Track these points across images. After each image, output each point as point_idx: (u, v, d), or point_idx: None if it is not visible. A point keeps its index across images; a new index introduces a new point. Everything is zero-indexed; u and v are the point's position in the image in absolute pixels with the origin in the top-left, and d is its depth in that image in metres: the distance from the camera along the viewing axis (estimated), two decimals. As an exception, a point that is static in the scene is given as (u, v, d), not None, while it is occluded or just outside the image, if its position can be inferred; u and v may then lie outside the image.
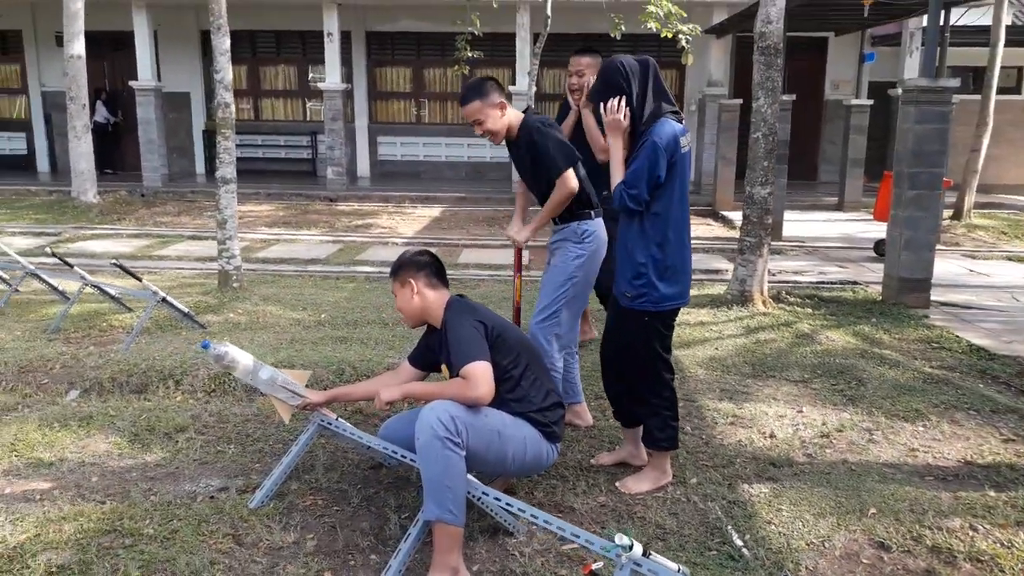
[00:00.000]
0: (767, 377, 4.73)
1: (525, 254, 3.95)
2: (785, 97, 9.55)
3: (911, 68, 13.56)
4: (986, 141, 11.22)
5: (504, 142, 3.61)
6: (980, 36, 12.27)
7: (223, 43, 6.36)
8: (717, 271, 8.18)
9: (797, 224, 10.87)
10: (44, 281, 5.97)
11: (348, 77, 15.42)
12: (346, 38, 14.92)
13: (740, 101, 12.19)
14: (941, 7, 7.03)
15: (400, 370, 3.19)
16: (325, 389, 3.75)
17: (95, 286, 5.64)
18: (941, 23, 8.54)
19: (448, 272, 3.13)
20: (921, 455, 3.69)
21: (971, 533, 2.94)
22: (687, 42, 9.20)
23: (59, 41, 13.49)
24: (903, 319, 6.07)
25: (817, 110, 15.39)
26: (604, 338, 3.40)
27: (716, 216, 12.18)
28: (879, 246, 8.60)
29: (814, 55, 15.13)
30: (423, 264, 3.02)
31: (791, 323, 5.88)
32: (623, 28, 9.42)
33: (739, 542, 2.87)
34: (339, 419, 3.15)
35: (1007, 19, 11.25)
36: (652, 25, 9.07)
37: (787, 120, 9.96)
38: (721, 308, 6.27)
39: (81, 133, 11.82)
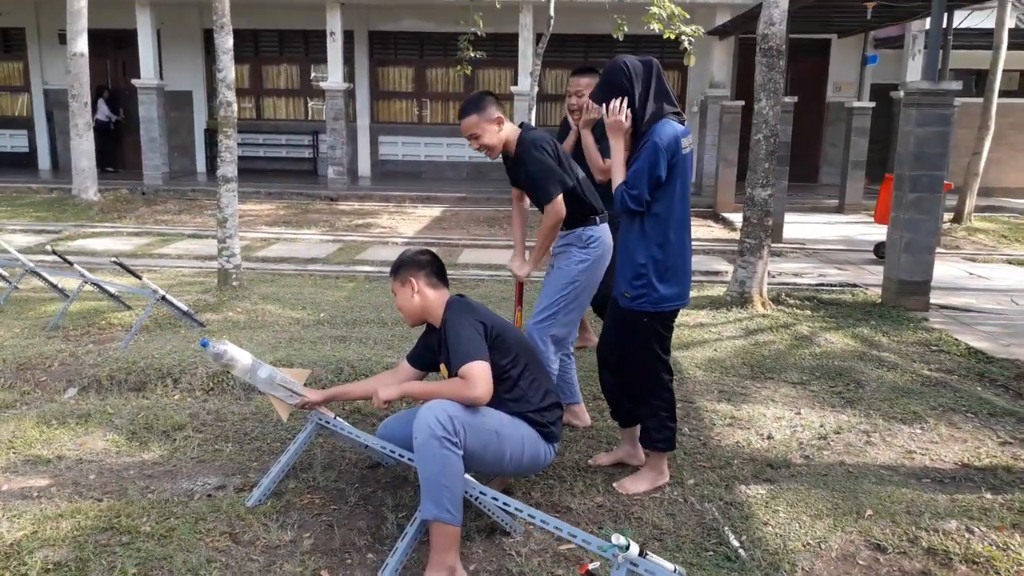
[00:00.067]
0: (765, 379, 4.74)
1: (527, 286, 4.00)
2: (787, 99, 9.56)
3: (913, 71, 13.55)
4: (987, 144, 11.22)
5: (501, 156, 3.64)
6: (983, 39, 12.27)
7: (226, 42, 6.37)
8: (717, 273, 8.18)
9: (797, 226, 10.87)
10: (44, 278, 5.98)
11: (350, 76, 15.44)
12: (349, 37, 14.93)
13: (742, 103, 12.19)
14: (944, 10, 7.02)
15: (399, 369, 3.19)
16: (323, 388, 3.75)
17: (95, 284, 5.65)
18: (944, 26, 8.52)
19: (448, 272, 3.14)
20: (918, 457, 3.69)
21: (967, 535, 2.94)
22: (690, 43, 9.21)
23: (62, 39, 13.52)
24: (902, 322, 6.07)
25: (819, 112, 15.39)
26: (603, 338, 3.40)
27: (716, 218, 12.19)
28: (879, 249, 8.60)
29: (817, 57, 15.13)
30: (424, 263, 3.02)
31: (790, 325, 5.88)
32: (626, 29, 9.42)
33: (736, 543, 2.87)
34: (337, 418, 3.16)
35: (1010, 22, 11.23)
36: (655, 26, 9.06)
37: (789, 122, 9.97)
38: (720, 310, 6.27)
39: (83, 131, 11.84)
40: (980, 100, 11.65)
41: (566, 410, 3.63)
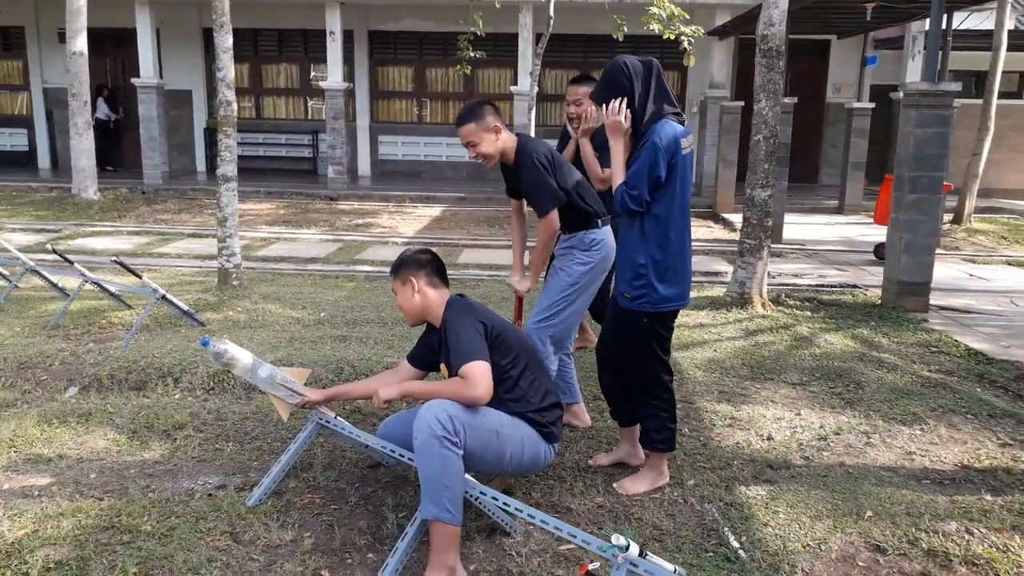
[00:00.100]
0: (765, 380, 4.74)
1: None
2: (787, 100, 9.57)
3: (913, 72, 13.57)
4: (987, 145, 11.23)
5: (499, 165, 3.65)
6: (982, 40, 12.28)
7: (225, 41, 6.37)
8: (717, 273, 8.19)
9: (797, 227, 10.88)
10: (44, 277, 5.98)
11: (350, 76, 15.44)
12: (348, 37, 14.93)
13: (742, 103, 12.20)
14: (943, 11, 7.04)
15: (399, 369, 3.19)
16: (324, 388, 3.76)
17: (95, 283, 5.65)
18: (943, 27, 8.53)
19: (448, 272, 3.14)
20: (918, 459, 3.69)
21: (967, 537, 2.94)
22: (689, 44, 9.21)
23: (61, 38, 13.52)
24: (902, 323, 6.08)
25: (819, 113, 15.40)
26: (602, 338, 3.40)
27: (716, 218, 12.19)
28: (879, 249, 8.61)
29: (816, 58, 15.15)
30: (424, 263, 3.03)
31: (790, 326, 5.88)
32: (625, 29, 9.43)
33: (735, 544, 2.87)
34: (338, 418, 3.16)
35: (1009, 23, 11.25)
36: (655, 27, 9.07)
37: (788, 123, 9.97)
38: (720, 310, 6.28)
39: (82, 130, 11.83)
40: (980, 101, 11.66)
41: (566, 410, 3.63)
